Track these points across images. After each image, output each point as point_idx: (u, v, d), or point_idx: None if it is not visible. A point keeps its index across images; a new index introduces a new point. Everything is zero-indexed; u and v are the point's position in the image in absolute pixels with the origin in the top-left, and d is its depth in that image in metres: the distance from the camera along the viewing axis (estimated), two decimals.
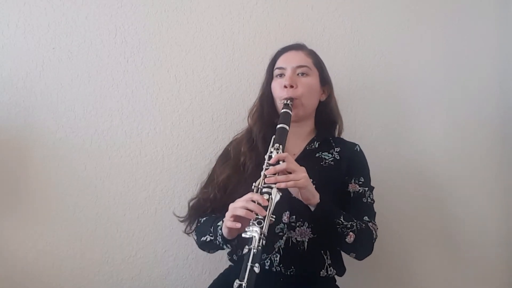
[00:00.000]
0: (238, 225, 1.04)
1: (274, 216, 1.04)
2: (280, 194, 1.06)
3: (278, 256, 1.18)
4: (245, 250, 1.00)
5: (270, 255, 1.18)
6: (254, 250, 0.98)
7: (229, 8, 1.60)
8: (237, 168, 1.27)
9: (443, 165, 1.68)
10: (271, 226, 1.06)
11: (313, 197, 1.12)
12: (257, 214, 1.01)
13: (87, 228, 1.49)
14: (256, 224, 1.01)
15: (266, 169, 1.09)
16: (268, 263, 1.18)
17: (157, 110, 1.54)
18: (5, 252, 1.44)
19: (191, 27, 1.57)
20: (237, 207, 1.05)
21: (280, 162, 1.08)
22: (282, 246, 1.18)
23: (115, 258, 1.50)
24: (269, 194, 1.05)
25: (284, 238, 1.18)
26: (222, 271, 1.34)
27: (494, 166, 1.73)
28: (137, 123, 1.53)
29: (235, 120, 1.55)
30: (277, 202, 1.05)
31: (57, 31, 1.50)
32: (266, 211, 1.02)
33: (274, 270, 1.18)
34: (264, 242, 1.00)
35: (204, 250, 1.29)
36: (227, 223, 1.07)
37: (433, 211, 1.68)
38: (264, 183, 1.07)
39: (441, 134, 1.70)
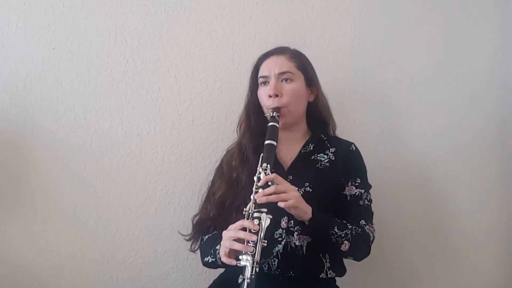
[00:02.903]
0: (234, 262, 1.04)
1: (266, 241, 1.04)
2: (270, 217, 1.06)
3: (276, 260, 1.18)
4: (240, 280, 1.01)
5: (268, 260, 1.18)
6: (248, 280, 0.99)
7: (229, 8, 1.60)
8: (231, 183, 1.27)
9: (442, 165, 1.68)
10: (270, 231, 1.06)
11: (304, 214, 1.12)
12: (248, 242, 1.02)
13: (87, 228, 1.49)
14: (248, 252, 1.02)
15: (255, 192, 1.08)
16: (266, 267, 1.18)
17: (157, 110, 1.54)
18: (5, 252, 1.44)
19: (191, 27, 1.57)
20: (230, 236, 1.06)
21: (270, 183, 1.08)
22: (280, 251, 1.18)
23: (115, 258, 1.50)
24: (259, 219, 1.05)
25: (282, 243, 1.18)
26: (222, 271, 1.33)
27: (494, 167, 1.73)
28: (137, 123, 1.53)
29: (235, 120, 1.54)
30: (276, 208, 1.06)
31: (57, 31, 1.50)
32: (257, 236, 1.02)
33: (273, 273, 1.18)
34: (257, 269, 1.01)
35: (209, 268, 1.28)
36: (223, 259, 1.08)
37: (433, 211, 1.67)
38: (254, 208, 1.06)
39: (440, 134, 1.69)
